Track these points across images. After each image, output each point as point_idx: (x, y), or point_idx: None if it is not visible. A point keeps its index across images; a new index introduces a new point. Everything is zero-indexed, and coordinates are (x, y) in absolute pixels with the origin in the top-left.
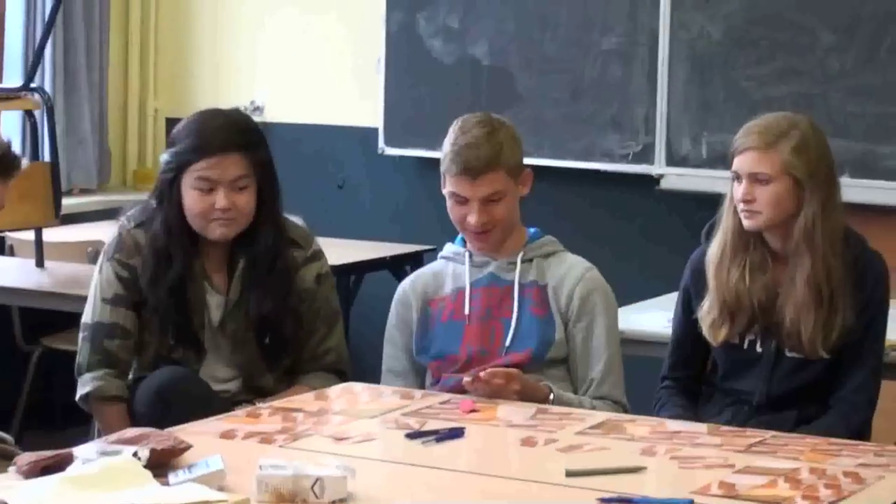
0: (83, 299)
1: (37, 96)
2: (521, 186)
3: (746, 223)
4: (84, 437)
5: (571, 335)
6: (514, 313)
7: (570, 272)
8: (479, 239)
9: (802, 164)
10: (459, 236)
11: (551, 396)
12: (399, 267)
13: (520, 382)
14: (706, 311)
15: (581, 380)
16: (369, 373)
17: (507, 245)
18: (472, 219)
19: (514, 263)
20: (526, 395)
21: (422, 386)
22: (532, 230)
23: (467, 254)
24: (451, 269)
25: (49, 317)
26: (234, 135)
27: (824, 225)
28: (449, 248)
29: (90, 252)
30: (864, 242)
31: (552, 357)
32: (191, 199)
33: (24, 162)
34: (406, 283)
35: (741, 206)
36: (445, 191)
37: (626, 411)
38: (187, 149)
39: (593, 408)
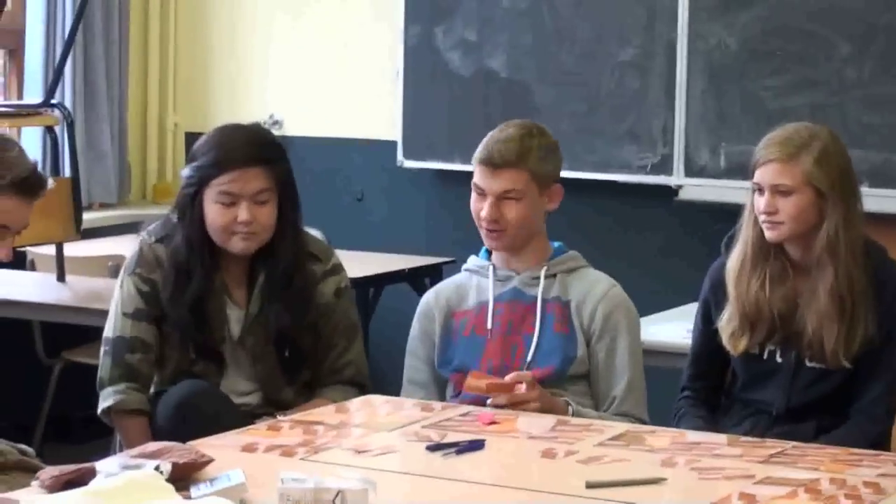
0: (104, 313)
1: (57, 112)
2: (549, 200)
3: (769, 234)
4: (105, 451)
5: (594, 353)
6: (536, 330)
7: (594, 289)
8: (491, 237)
9: (824, 176)
10: (484, 249)
11: (570, 411)
12: (418, 279)
13: (539, 394)
14: (726, 322)
15: (603, 397)
16: (389, 385)
17: (531, 259)
18: (484, 212)
19: (538, 278)
20: (545, 410)
21: (443, 398)
22: (556, 244)
23: (491, 267)
24: (475, 282)
25: (70, 331)
26: (255, 149)
27: (847, 235)
28: (473, 261)
29: (111, 266)
30: (885, 252)
31: (573, 373)
32: (213, 213)
33: (50, 182)
34: (429, 295)
35: (763, 218)
36: (472, 182)
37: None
38: (209, 163)
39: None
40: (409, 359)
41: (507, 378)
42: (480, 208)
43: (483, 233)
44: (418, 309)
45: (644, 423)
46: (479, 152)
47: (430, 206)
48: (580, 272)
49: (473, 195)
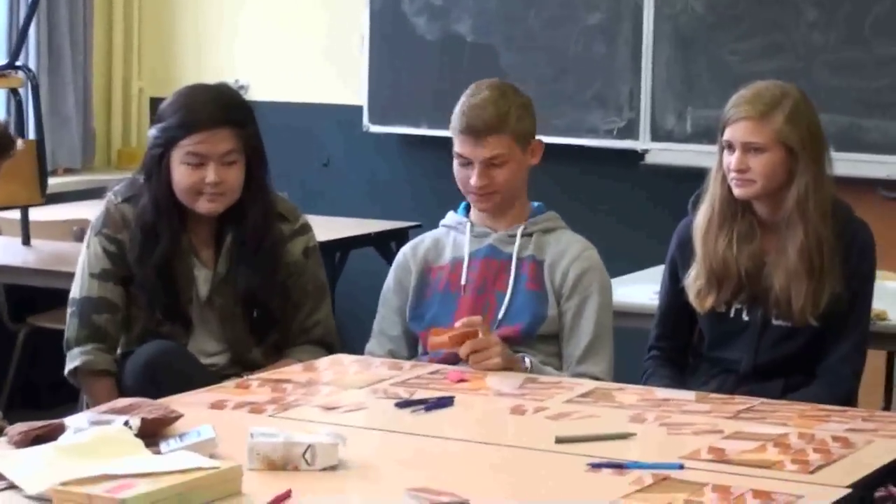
0: (70, 276)
1: (21, 74)
2: (531, 157)
3: (739, 192)
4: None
5: (563, 312)
6: (509, 287)
7: (568, 250)
8: (481, 200)
9: (796, 134)
10: (462, 205)
11: (527, 363)
12: (384, 244)
13: (501, 344)
14: (693, 279)
15: (566, 356)
16: (355, 348)
17: (509, 217)
18: (474, 181)
19: (514, 236)
20: (504, 364)
21: (413, 353)
22: (536, 204)
23: (468, 224)
24: (452, 237)
25: (35, 296)
26: (222, 110)
27: (816, 194)
28: (451, 217)
29: (76, 231)
30: (851, 211)
31: (543, 332)
32: (180, 174)
33: (19, 144)
34: (406, 249)
35: (733, 175)
36: (454, 151)
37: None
38: (176, 124)
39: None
40: (382, 309)
41: (457, 325)
42: (467, 176)
43: (472, 198)
44: (395, 261)
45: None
46: (457, 121)
47: (396, 171)
48: (557, 233)
49: (456, 164)
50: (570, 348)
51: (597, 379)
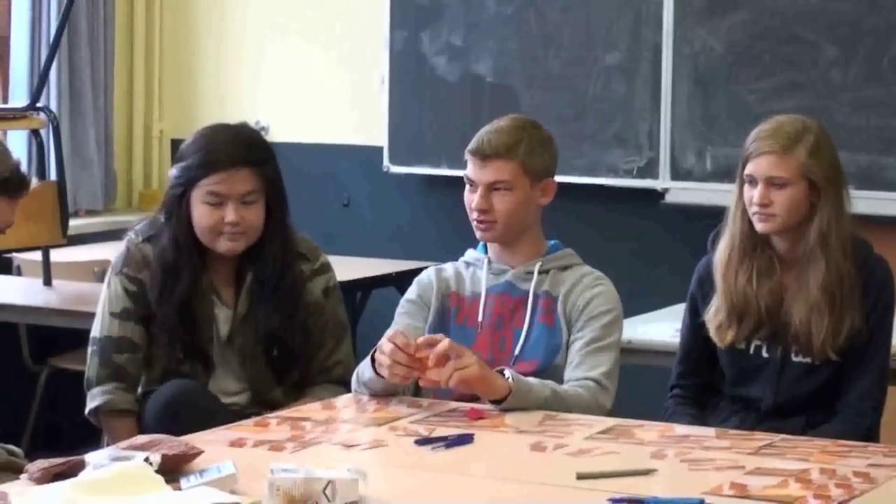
0: (91, 316)
1: (42, 115)
2: (541, 195)
3: (761, 227)
4: None
5: (573, 337)
6: (525, 324)
7: (581, 281)
8: (481, 228)
9: (819, 168)
10: (481, 243)
11: (506, 374)
12: (405, 284)
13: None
14: (713, 314)
15: (567, 362)
16: None
17: (526, 254)
18: (475, 202)
19: (532, 273)
20: (482, 376)
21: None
22: (552, 243)
23: (486, 260)
24: (471, 273)
25: (56, 337)
26: (242, 149)
27: (838, 227)
28: (470, 254)
29: (97, 272)
30: (870, 247)
31: (558, 363)
32: (200, 213)
33: (34, 182)
34: (430, 270)
35: (756, 210)
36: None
37: (600, 387)
38: (196, 164)
39: (553, 389)
40: (398, 318)
41: (419, 341)
42: (472, 199)
43: (474, 225)
44: (417, 279)
45: (593, 379)
46: (470, 144)
47: (417, 212)
48: (573, 269)
49: (466, 188)
50: (571, 354)
51: (596, 383)
